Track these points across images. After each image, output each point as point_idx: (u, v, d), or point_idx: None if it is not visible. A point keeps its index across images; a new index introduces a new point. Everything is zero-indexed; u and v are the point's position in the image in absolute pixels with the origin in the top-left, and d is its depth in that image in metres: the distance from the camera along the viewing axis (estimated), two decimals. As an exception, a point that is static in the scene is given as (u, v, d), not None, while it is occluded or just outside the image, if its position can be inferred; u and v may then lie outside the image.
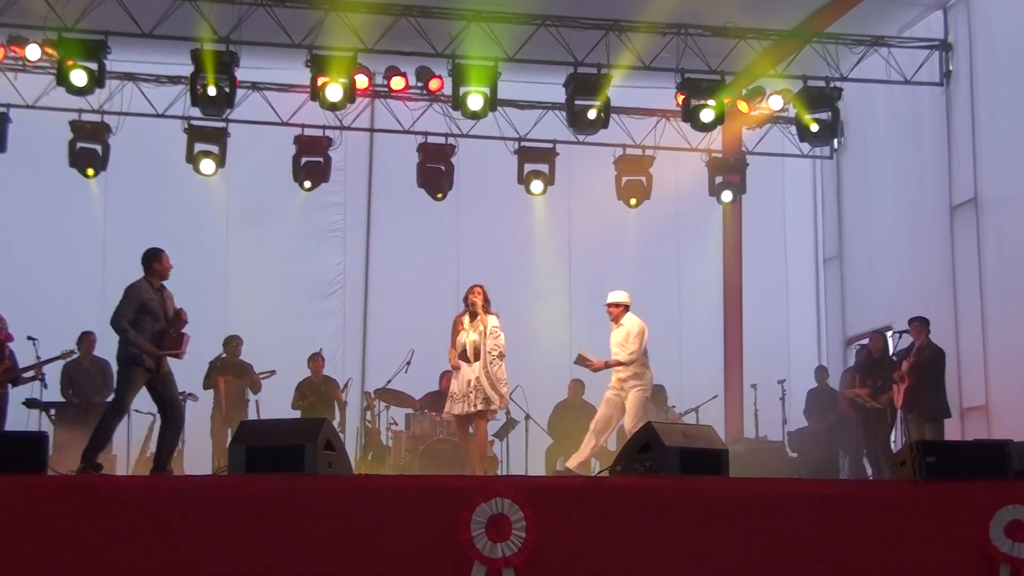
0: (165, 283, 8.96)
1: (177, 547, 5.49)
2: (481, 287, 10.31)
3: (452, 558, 5.58)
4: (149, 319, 8.70)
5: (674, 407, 14.00)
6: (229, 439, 6.30)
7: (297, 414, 12.53)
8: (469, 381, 10.06)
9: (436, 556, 5.61)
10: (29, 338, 11.62)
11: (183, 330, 8.80)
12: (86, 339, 12.44)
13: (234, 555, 5.51)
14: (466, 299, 10.27)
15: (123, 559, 5.46)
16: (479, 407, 10.06)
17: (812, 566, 5.94)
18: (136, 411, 12.38)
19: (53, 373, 12.12)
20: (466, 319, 10.24)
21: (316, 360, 13.08)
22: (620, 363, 10.55)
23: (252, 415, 12.48)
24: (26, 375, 11.70)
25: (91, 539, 5.47)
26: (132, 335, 8.57)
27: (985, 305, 12.58)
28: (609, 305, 10.81)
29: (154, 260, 8.92)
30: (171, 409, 8.86)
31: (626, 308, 10.78)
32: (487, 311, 10.21)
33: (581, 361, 10.84)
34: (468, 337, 10.14)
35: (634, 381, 10.55)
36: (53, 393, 12.14)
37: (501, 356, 10.15)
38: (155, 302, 8.78)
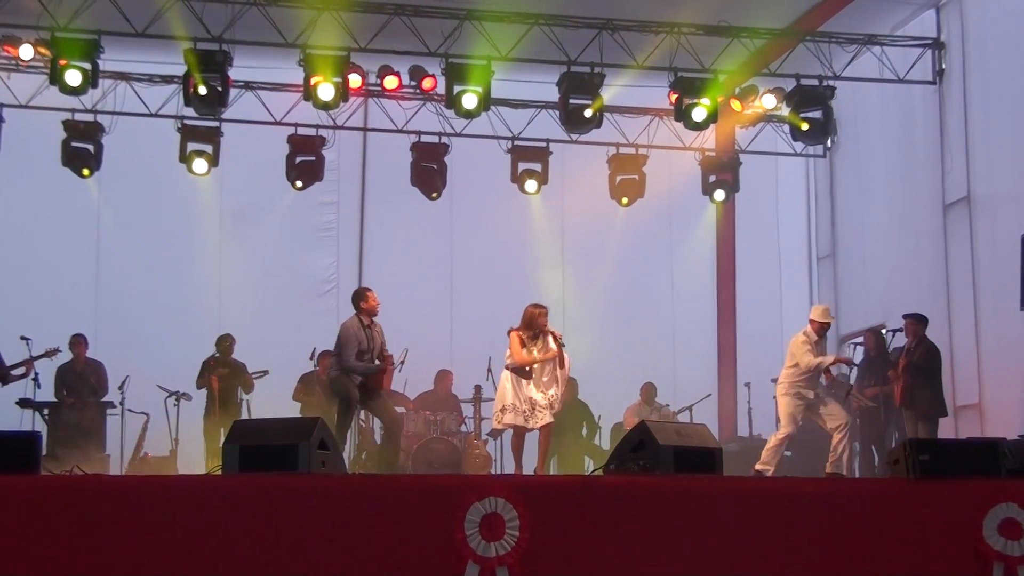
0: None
1: (171, 547, 5.48)
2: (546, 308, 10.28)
3: (446, 557, 5.58)
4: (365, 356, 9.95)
5: (668, 405, 14.01)
6: (222, 439, 6.28)
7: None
8: (530, 399, 10.07)
9: (430, 555, 5.61)
10: (22, 338, 11.61)
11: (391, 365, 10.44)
12: (77, 341, 12.41)
13: (227, 555, 5.51)
14: (537, 322, 10.08)
15: (117, 559, 5.45)
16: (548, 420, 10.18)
17: (806, 564, 5.94)
18: (130, 411, 12.46)
19: (47, 374, 12.12)
20: (526, 338, 10.12)
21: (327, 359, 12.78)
22: None
23: (244, 415, 12.45)
24: (15, 372, 11.69)
25: (84, 539, 5.46)
26: (352, 364, 9.88)
27: (978, 303, 12.60)
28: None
29: (360, 300, 10.18)
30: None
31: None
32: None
33: None
34: (535, 356, 10.08)
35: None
36: (47, 393, 12.12)
37: None
38: (365, 341, 9.93)
